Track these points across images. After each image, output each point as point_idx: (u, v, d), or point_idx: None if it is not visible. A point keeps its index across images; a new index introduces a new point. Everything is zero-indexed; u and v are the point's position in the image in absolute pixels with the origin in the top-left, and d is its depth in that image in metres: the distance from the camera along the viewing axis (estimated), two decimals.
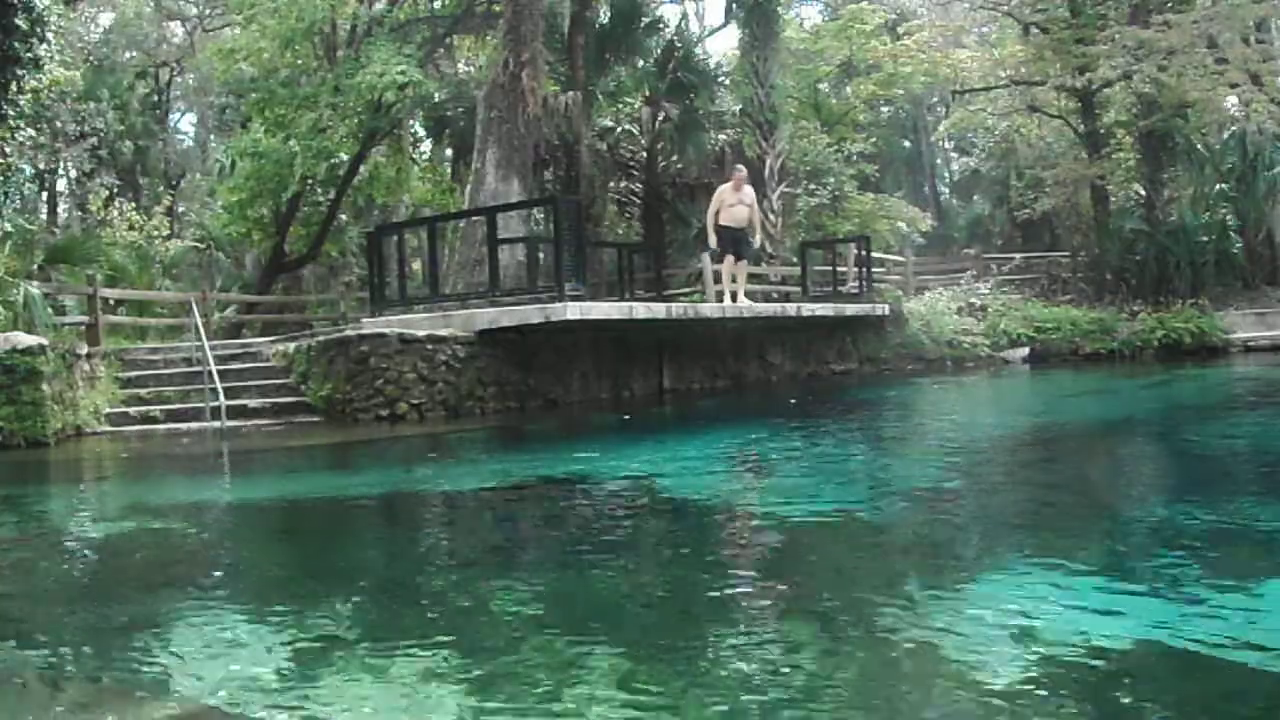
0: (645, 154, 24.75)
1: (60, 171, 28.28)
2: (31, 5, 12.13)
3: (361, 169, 21.03)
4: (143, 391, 12.06)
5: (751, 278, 20.44)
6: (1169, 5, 21.84)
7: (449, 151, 27.29)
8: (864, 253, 19.79)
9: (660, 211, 24.79)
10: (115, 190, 25.85)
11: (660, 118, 24.11)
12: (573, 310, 11.48)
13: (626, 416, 11.88)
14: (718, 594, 3.91)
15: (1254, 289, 21.60)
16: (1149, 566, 4.04)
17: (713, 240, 14.11)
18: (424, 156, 27.46)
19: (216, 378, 11.43)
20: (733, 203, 13.84)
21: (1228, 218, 23.42)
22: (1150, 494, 5.94)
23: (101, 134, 25.81)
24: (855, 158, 26.25)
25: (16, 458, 9.48)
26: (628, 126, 25.08)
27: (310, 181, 19.55)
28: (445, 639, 3.40)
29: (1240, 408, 11.35)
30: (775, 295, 19.74)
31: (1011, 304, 20.64)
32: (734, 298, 14.37)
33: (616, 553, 4.77)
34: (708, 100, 24.91)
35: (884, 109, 33.77)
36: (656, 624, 3.58)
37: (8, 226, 13.24)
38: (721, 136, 25.06)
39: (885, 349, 18.99)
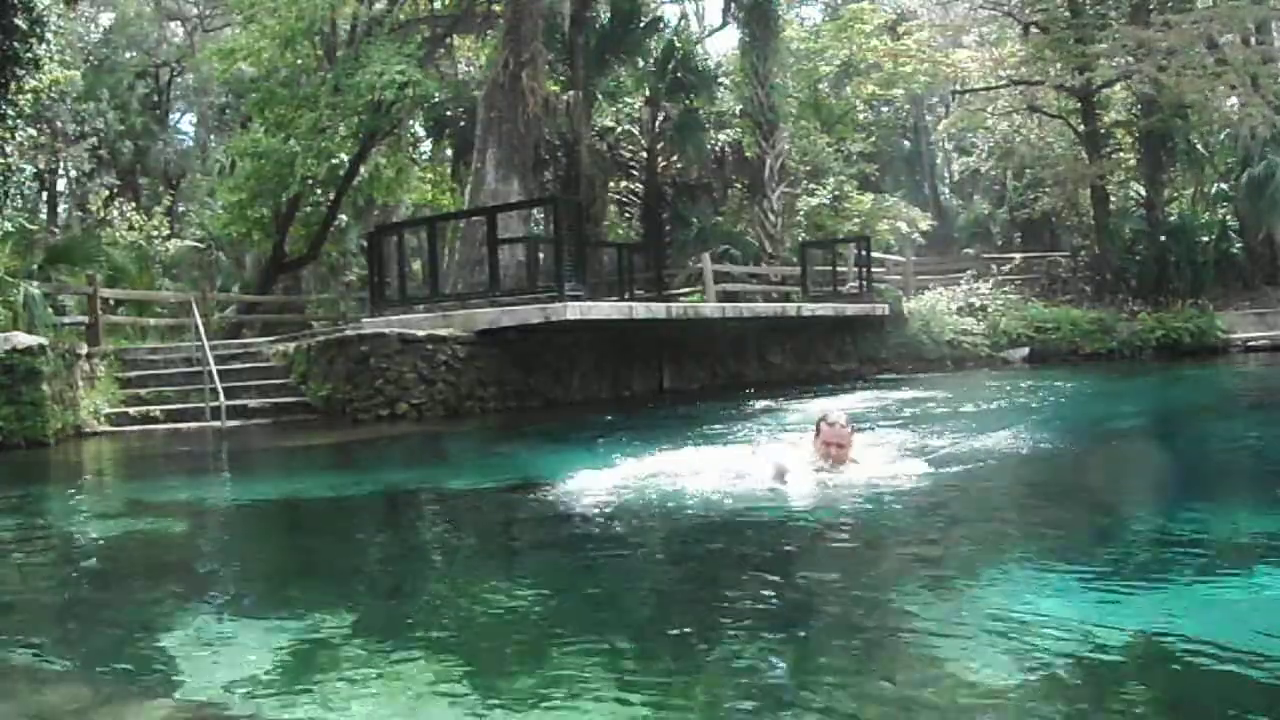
0: (645, 154, 24.77)
1: (60, 171, 28.27)
2: (31, 5, 12.12)
3: (361, 169, 21.03)
4: (143, 391, 12.07)
5: (752, 278, 20.54)
6: (1169, 5, 21.85)
7: (449, 151, 27.29)
8: (864, 253, 19.81)
9: (660, 211, 24.81)
10: (115, 190, 25.85)
11: (660, 118, 24.13)
12: (573, 310, 11.48)
13: (610, 418, 11.82)
14: (716, 593, 3.91)
15: (1254, 289, 21.62)
16: (1148, 565, 4.04)
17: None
18: (424, 156, 27.47)
19: (216, 377, 11.44)
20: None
21: (1228, 218, 23.46)
22: (1148, 494, 5.94)
23: (101, 134, 25.81)
24: (855, 158, 26.25)
25: (16, 458, 9.47)
26: (628, 126, 25.11)
27: (310, 181, 19.55)
28: (445, 639, 3.40)
29: (1239, 408, 11.34)
30: (775, 295, 19.76)
31: (1011, 304, 20.64)
32: None
33: (618, 553, 4.76)
34: (708, 100, 24.93)
35: (884, 109, 33.74)
36: (656, 622, 3.58)
37: (8, 226, 13.23)
38: (721, 136, 25.08)
39: (885, 349, 19.00)
